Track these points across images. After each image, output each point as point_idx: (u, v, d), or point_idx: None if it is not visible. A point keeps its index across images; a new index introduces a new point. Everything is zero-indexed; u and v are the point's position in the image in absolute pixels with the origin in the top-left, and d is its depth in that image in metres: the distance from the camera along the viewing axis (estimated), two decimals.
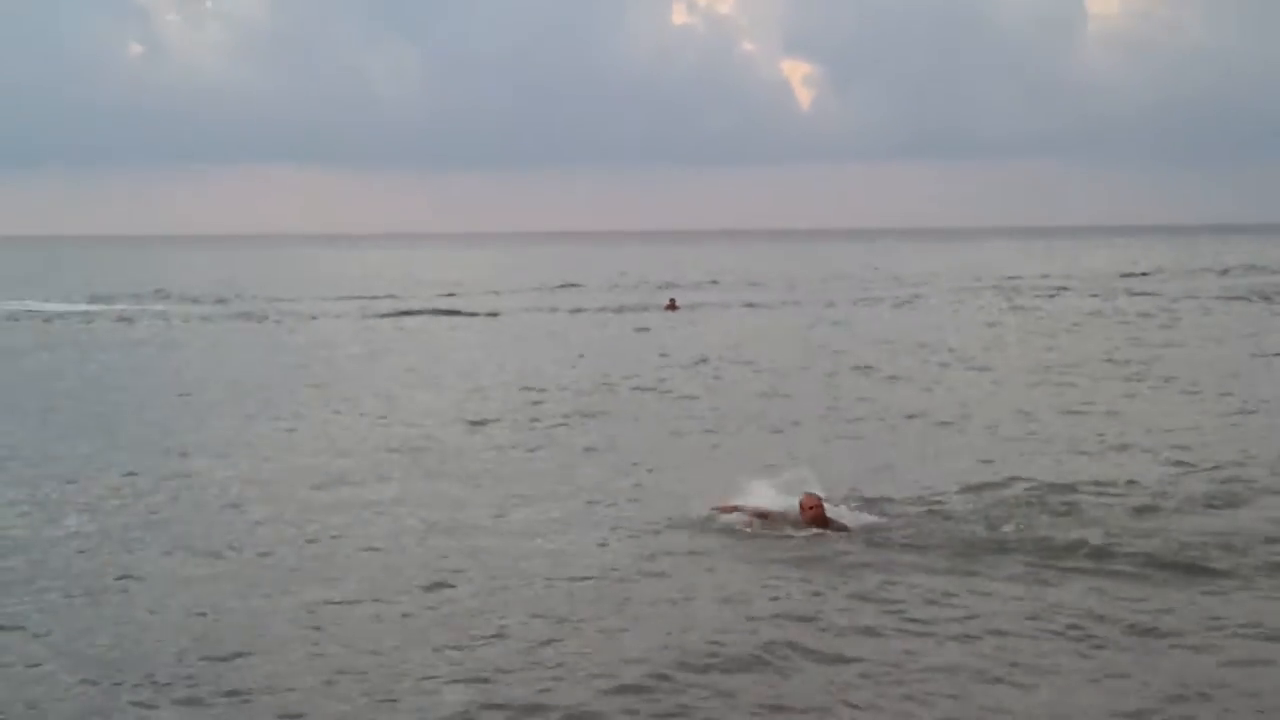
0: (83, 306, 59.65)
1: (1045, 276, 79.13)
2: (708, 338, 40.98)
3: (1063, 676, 9.92)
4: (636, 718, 9.22)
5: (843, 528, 14.14)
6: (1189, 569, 12.55)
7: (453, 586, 12.49)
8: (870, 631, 10.96)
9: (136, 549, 14.19)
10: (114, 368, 33.78)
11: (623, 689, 9.64)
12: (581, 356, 34.84)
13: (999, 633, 10.88)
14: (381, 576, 12.95)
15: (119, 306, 59.77)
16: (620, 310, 54.30)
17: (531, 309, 56.19)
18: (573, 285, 75.10)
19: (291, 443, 21.29)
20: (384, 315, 52.75)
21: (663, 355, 34.66)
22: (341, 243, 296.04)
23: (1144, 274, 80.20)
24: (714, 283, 78.17)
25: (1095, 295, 59.93)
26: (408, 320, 50.27)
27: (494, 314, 53.11)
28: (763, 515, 14.30)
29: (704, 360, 32.99)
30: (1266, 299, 55.17)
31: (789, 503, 14.34)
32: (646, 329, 44.71)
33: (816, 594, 12.05)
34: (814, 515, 14.06)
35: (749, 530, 14.19)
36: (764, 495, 14.56)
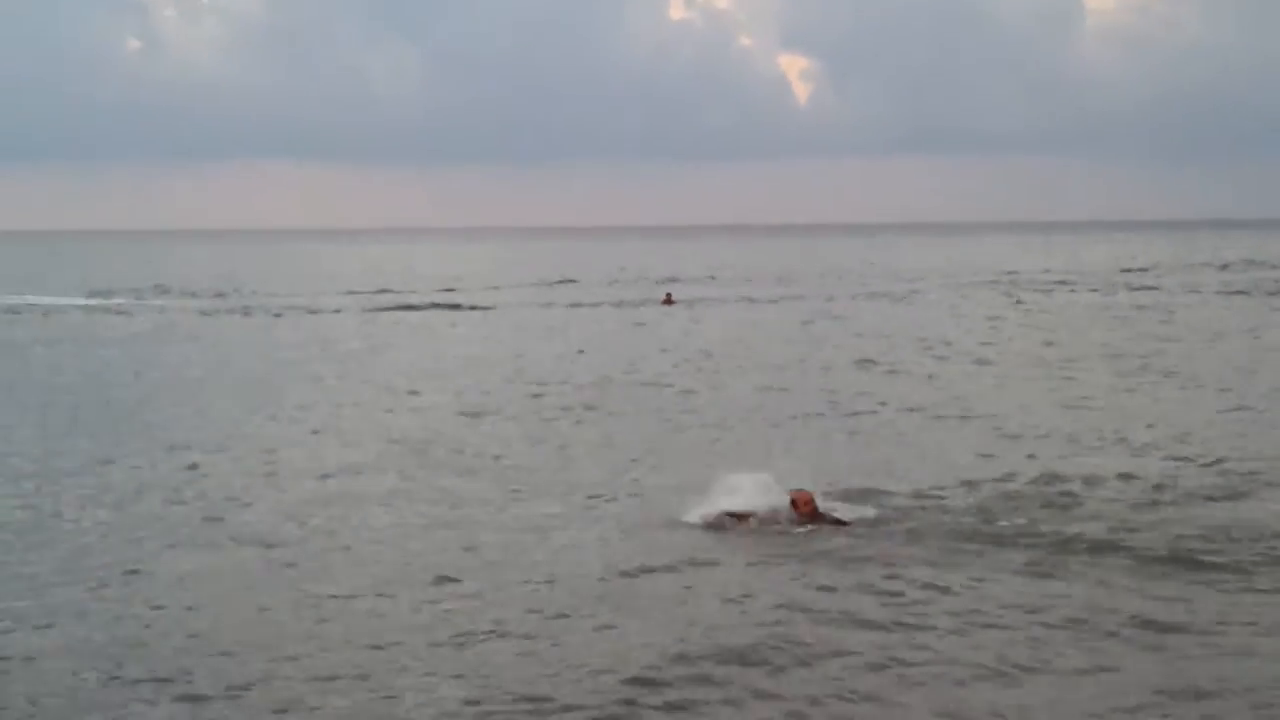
0: (81, 301, 59.61)
1: (1046, 271, 79.12)
2: (705, 332, 40.98)
3: (1060, 672, 9.91)
4: (636, 711, 9.22)
5: (838, 521, 14.14)
6: (1187, 563, 12.56)
7: (453, 582, 12.49)
8: (870, 626, 10.95)
9: (138, 543, 14.20)
10: (113, 362, 33.75)
11: (623, 685, 9.63)
12: (581, 352, 34.82)
13: (998, 627, 10.88)
14: (382, 571, 12.95)
15: (117, 301, 59.75)
16: (619, 305, 54.27)
17: (530, 304, 56.16)
18: (571, 281, 75.08)
19: (293, 437, 21.29)
20: (383, 310, 52.76)
21: (662, 350, 34.65)
22: (340, 237, 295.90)
23: (1143, 269, 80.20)
24: (711, 278, 78.13)
25: (1095, 290, 59.94)
26: (408, 315, 50.26)
27: (494, 309, 53.11)
28: (746, 517, 14.24)
29: (701, 354, 33.00)
30: (1268, 294, 55.21)
31: (773, 500, 14.32)
32: (644, 324, 44.72)
33: (815, 589, 12.05)
34: (807, 511, 14.07)
35: (749, 526, 14.17)
36: (744, 493, 14.50)
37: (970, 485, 16.17)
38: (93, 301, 59.37)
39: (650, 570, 12.74)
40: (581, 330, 42.85)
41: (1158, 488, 15.92)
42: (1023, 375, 28.36)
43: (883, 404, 23.94)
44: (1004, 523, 14.16)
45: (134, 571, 13.07)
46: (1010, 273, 78.30)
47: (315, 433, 21.80)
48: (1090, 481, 16.21)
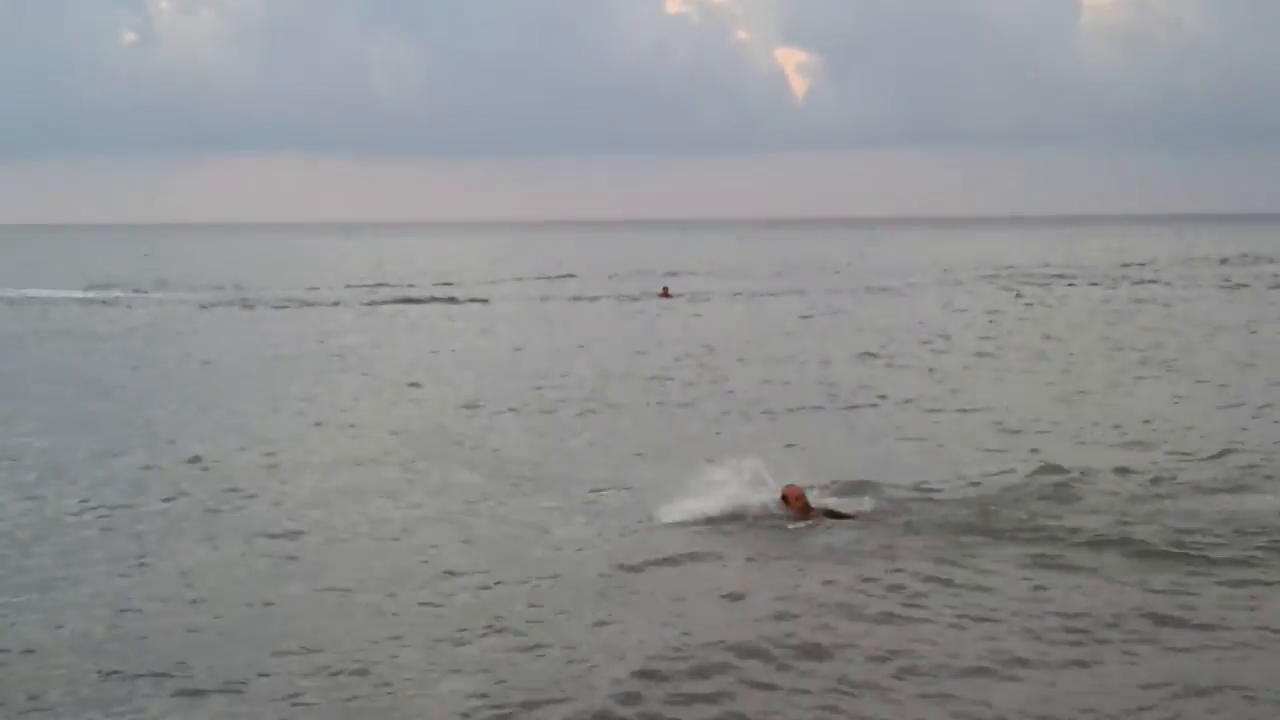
0: (79, 294, 59.57)
1: (1044, 265, 79.12)
2: (705, 325, 40.98)
3: (1059, 665, 9.90)
4: (638, 705, 9.19)
5: (834, 514, 14.13)
6: (1187, 556, 12.54)
7: (453, 576, 12.48)
8: (870, 619, 10.94)
9: (140, 536, 14.20)
10: (113, 356, 33.69)
11: (624, 679, 9.61)
12: (581, 346, 34.80)
13: (997, 620, 10.87)
14: (383, 565, 12.94)
15: (117, 294, 59.73)
16: (618, 299, 54.20)
17: (530, 297, 56.15)
18: (571, 274, 75.04)
19: (295, 430, 21.26)
20: (384, 303, 52.74)
21: (661, 344, 34.63)
22: (341, 231, 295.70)
23: (1141, 264, 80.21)
24: (709, 271, 78.09)
25: (1094, 284, 59.93)
26: (408, 309, 50.22)
27: (494, 302, 53.09)
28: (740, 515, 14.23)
29: (701, 348, 32.96)
30: (1266, 288, 55.23)
31: (765, 491, 14.30)
32: (643, 317, 44.70)
33: (815, 583, 12.03)
34: (799, 506, 14.07)
35: (747, 521, 14.14)
36: (735, 484, 14.47)
37: (970, 478, 16.16)
38: (90, 295, 59.33)
39: (651, 565, 12.72)
40: (581, 323, 42.83)
41: (1156, 481, 15.91)
42: (1022, 369, 28.35)
43: (882, 397, 23.93)
44: (1003, 516, 14.14)
45: (136, 565, 13.06)
46: (1008, 266, 78.30)
47: (317, 425, 21.79)
48: (1089, 474, 16.20)
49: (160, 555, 13.46)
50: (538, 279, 70.92)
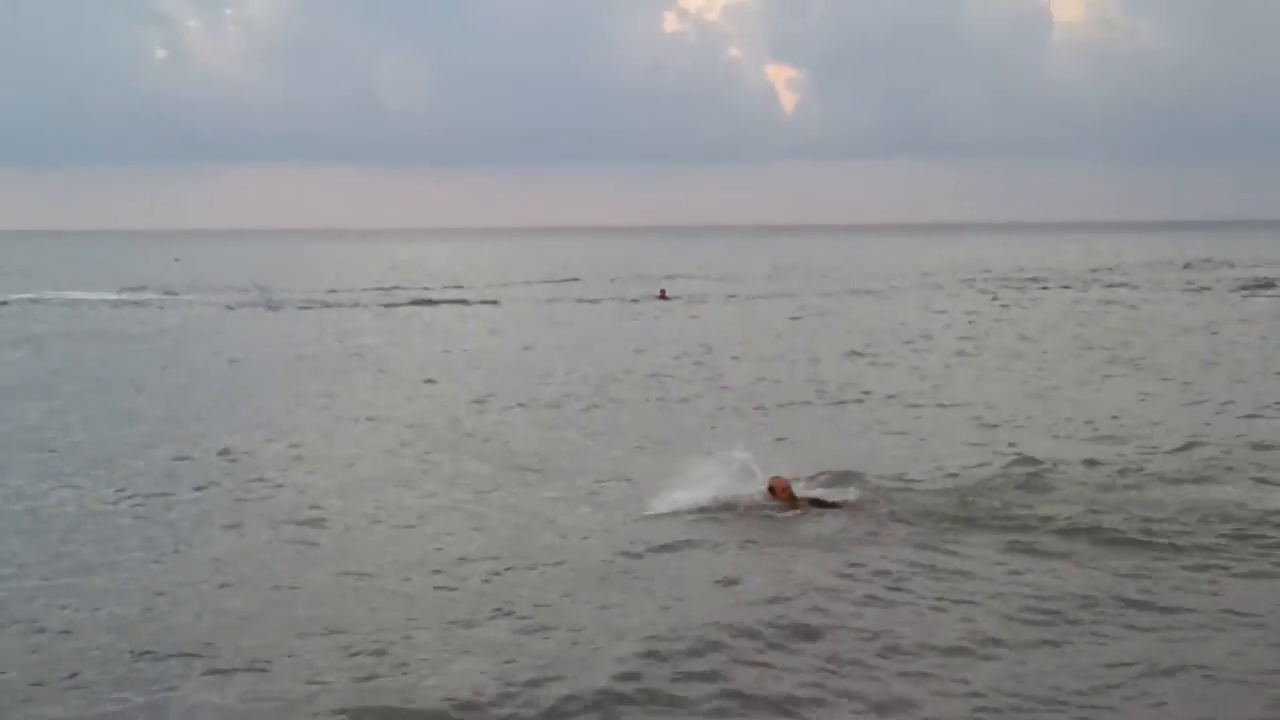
0: (114, 296, 59.54)
1: (1020, 269, 79.08)
2: (701, 326, 40.97)
3: (1031, 646, 9.92)
4: (640, 685, 9.20)
5: (819, 503, 14.15)
6: (1152, 544, 12.56)
7: (466, 563, 12.48)
8: (856, 603, 10.96)
9: (171, 525, 14.19)
10: (146, 355, 33.67)
11: (625, 662, 9.62)
12: (585, 346, 34.80)
13: (972, 603, 10.88)
14: (400, 553, 12.94)
15: (149, 295, 59.69)
16: (619, 301, 54.20)
17: (537, 300, 56.15)
18: (575, 278, 75.00)
19: (318, 424, 21.24)
20: (400, 305, 52.74)
21: (660, 344, 34.62)
22: (357, 237, 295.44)
23: (1111, 268, 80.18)
24: (705, 275, 78.06)
25: (1067, 287, 59.92)
26: (422, 310, 50.20)
27: (503, 304, 53.09)
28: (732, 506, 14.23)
29: (697, 347, 32.95)
30: (1228, 291, 55.23)
31: (753, 481, 14.30)
32: (643, 318, 44.69)
33: (803, 569, 12.04)
34: (785, 496, 14.09)
35: (739, 511, 14.15)
36: (725, 475, 14.47)
37: (949, 470, 16.19)
38: (124, 296, 59.30)
39: (650, 552, 12.73)
40: (585, 324, 42.83)
41: (1124, 472, 15.93)
42: (998, 367, 28.36)
43: (867, 393, 23.95)
44: (981, 505, 14.16)
45: (168, 551, 13.08)
46: (986, 271, 78.27)
47: (338, 420, 21.78)
48: (1061, 466, 16.21)
49: (191, 542, 13.48)
50: (543, 282, 70.89)
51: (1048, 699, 8.91)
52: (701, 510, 14.11)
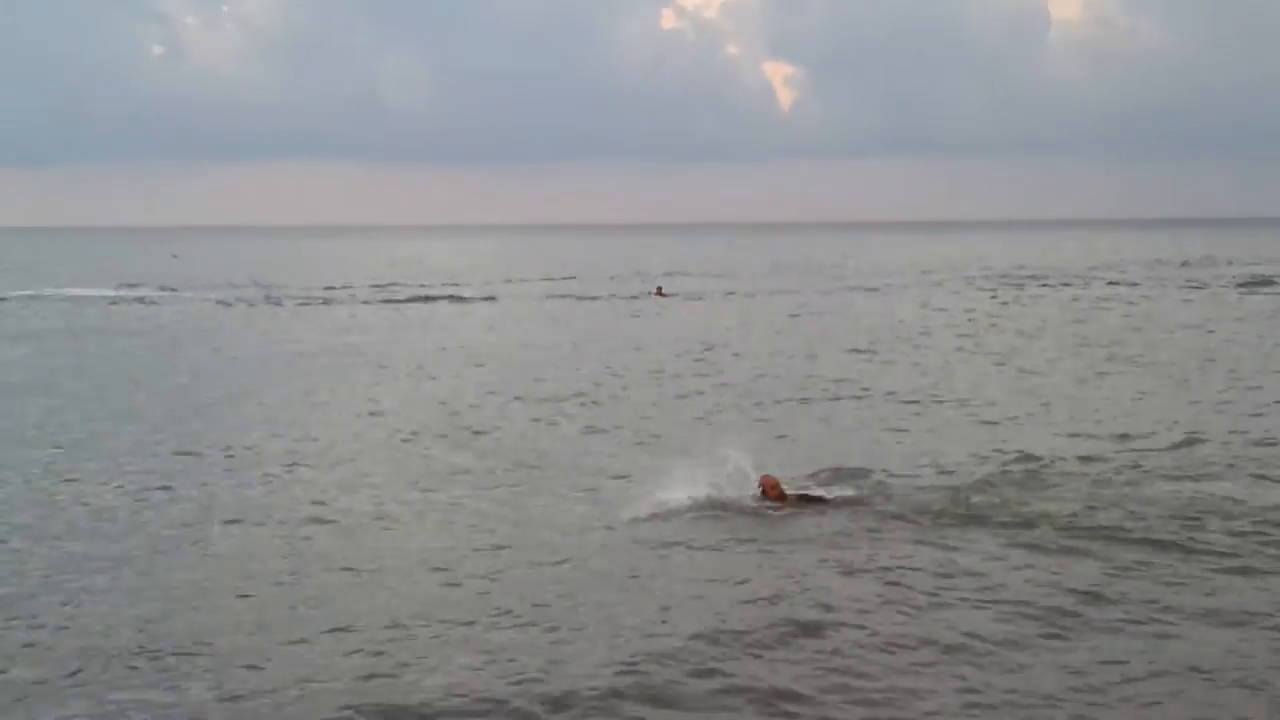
0: (111, 292, 59.50)
1: (1019, 267, 79.08)
2: (699, 322, 40.97)
3: (1024, 644, 9.90)
4: (639, 678, 9.20)
5: (810, 499, 14.16)
6: (1152, 542, 12.54)
7: (466, 561, 12.48)
8: (853, 600, 10.96)
9: (173, 521, 14.19)
10: (149, 351, 33.66)
11: (625, 656, 9.64)
12: (583, 342, 34.78)
13: (968, 600, 10.89)
14: (397, 552, 12.95)
15: (148, 292, 59.64)
16: (617, 298, 54.19)
17: (536, 296, 56.14)
18: (574, 275, 75.00)
19: (320, 420, 21.22)
20: (402, 301, 52.75)
21: (658, 340, 34.62)
22: (359, 234, 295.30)
23: (1109, 265, 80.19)
24: (704, 272, 78.04)
25: (1066, 285, 59.93)
26: (423, 307, 50.19)
27: (504, 301, 53.10)
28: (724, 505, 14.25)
29: (696, 344, 32.94)
30: (1224, 288, 55.25)
31: (742, 485, 14.32)
32: (641, 316, 44.68)
33: (798, 565, 12.05)
34: (775, 495, 14.12)
35: (734, 509, 14.14)
36: (716, 479, 14.46)
37: (947, 466, 16.20)
38: (122, 293, 59.25)
39: (648, 549, 12.73)
40: (583, 321, 42.82)
41: (1121, 469, 15.93)
42: (996, 364, 28.35)
43: (865, 390, 23.96)
44: (978, 501, 14.17)
45: (170, 548, 13.08)
46: (985, 268, 78.27)
47: (338, 416, 21.76)
48: (1059, 463, 16.22)
49: (193, 539, 13.47)
50: (541, 279, 70.88)
51: (1047, 696, 8.91)
52: (698, 509, 14.11)
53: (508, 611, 10.79)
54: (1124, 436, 18.40)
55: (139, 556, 12.74)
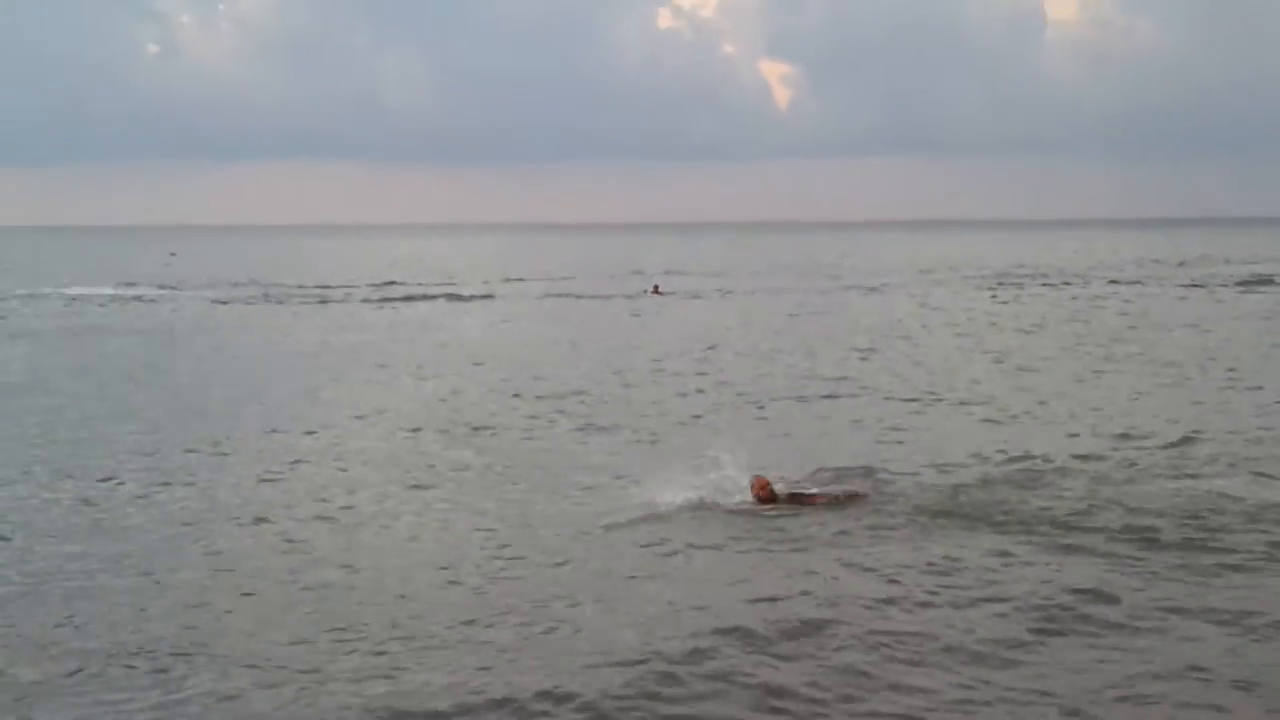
0: (111, 290, 59.47)
1: (1019, 266, 79.11)
2: (698, 322, 40.95)
3: (1021, 644, 9.89)
4: (640, 674, 9.18)
5: (799, 499, 14.15)
6: (1151, 541, 12.54)
7: (466, 561, 12.47)
8: (850, 599, 10.95)
9: (175, 522, 14.17)
10: (150, 350, 33.59)
11: (626, 655, 9.63)
12: (581, 341, 34.76)
13: (967, 599, 10.88)
14: (397, 552, 12.94)
15: (149, 291, 59.60)
16: (616, 297, 54.16)
17: (535, 295, 56.11)
18: (573, 273, 75.01)
19: (321, 418, 21.19)
20: (403, 300, 52.73)
21: (656, 339, 34.60)
22: (357, 233, 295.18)
23: (1107, 265, 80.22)
24: (702, 272, 78.01)
25: (1066, 284, 59.96)
26: (423, 305, 50.16)
27: (504, 300, 53.10)
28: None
29: (694, 343, 32.92)
30: (1222, 287, 55.27)
31: (737, 484, 14.32)
32: (639, 313, 44.69)
33: (804, 569, 12.04)
34: (764, 495, 14.12)
35: (727, 509, 14.12)
36: (711, 479, 14.46)
37: (945, 465, 16.18)
38: (120, 292, 59.22)
39: (650, 550, 12.72)
40: (581, 320, 42.80)
41: (1119, 467, 15.93)
42: (995, 363, 28.35)
43: (864, 388, 23.95)
44: (976, 500, 14.16)
45: (173, 547, 13.06)
46: (984, 268, 78.29)
47: (337, 415, 21.72)
48: (1057, 461, 16.21)
49: (193, 539, 13.45)
50: (540, 279, 70.86)
51: (1046, 694, 8.90)
52: (697, 508, 14.09)
53: (508, 612, 10.78)
54: (1123, 435, 18.39)
55: (139, 556, 12.72)
